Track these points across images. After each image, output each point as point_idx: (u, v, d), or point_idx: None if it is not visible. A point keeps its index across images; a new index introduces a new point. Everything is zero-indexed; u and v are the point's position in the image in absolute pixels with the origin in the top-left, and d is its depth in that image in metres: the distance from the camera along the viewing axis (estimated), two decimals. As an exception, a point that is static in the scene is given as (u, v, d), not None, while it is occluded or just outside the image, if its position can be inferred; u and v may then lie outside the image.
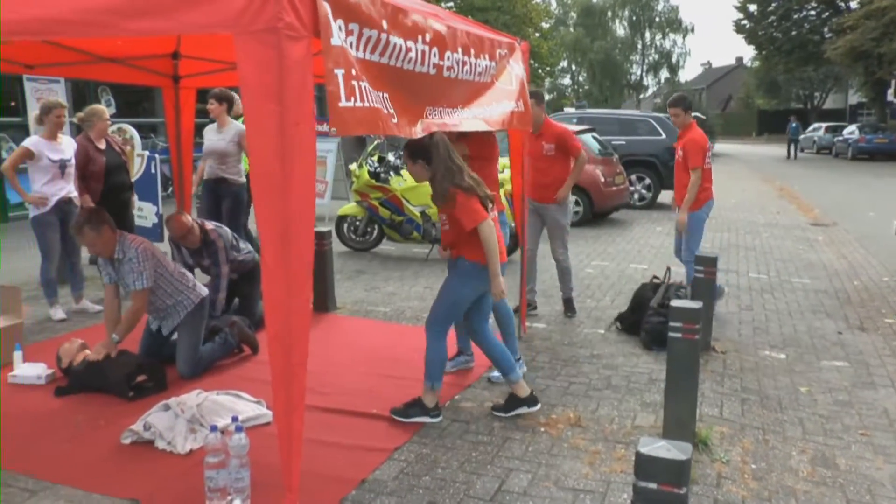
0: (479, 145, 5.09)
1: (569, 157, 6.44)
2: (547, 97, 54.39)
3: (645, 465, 2.61)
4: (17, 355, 5.19)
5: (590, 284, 8.01)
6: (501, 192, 8.71)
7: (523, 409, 4.50)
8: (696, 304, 3.95)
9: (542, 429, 4.30)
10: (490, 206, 4.25)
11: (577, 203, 12.29)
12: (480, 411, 4.54)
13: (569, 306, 6.79)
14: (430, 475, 3.73)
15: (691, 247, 6.53)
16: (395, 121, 3.45)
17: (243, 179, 7.63)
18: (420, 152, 4.18)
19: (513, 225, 8.39)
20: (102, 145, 6.82)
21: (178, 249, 6.14)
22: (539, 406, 4.55)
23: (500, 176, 8.92)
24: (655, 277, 6.41)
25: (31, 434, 4.23)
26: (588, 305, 7.08)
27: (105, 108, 7.02)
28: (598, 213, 12.63)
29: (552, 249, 6.67)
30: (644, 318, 5.92)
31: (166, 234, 6.28)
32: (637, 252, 10.05)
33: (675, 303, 3.96)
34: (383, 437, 4.13)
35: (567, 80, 72.33)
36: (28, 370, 5.09)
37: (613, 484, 3.66)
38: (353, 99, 3.12)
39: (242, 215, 7.74)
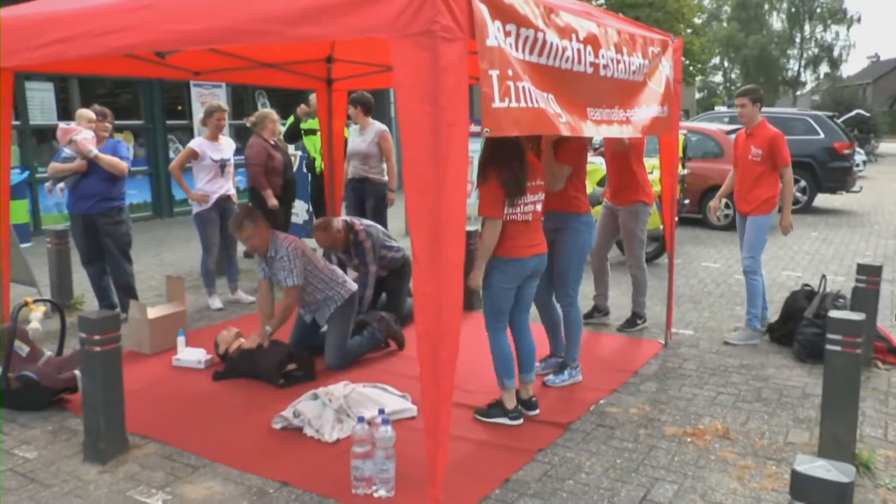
0: (570, 153, 4.81)
1: (776, 167, 5.76)
2: (697, 95, 52.33)
3: (802, 485, 2.45)
4: (181, 340, 5.56)
5: (739, 291, 7.65)
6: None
7: (503, 421, 4.30)
8: (859, 316, 3.70)
9: (689, 439, 4.15)
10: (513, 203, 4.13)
11: (727, 205, 11.80)
12: (625, 417, 4.45)
13: (630, 322, 6.29)
14: (574, 479, 3.69)
15: (756, 254, 5.91)
16: (563, 120, 3.43)
17: (386, 178, 7.81)
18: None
19: (661, 227, 8.18)
20: (273, 143, 7.31)
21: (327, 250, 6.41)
22: (521, 422, 4.31)
23: (650, 178, 8.76)
24: (806, 286, 6.06)
25: (192, 414, 4.53)
26: (737, 313, 6.77)
27: (273, 111, 7.46)
28: (748, 216, 12.06)
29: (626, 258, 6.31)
30: (797, 329, 5.60)
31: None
32: (790, 258, 9.53)
33: (833, 313, 3.73)
34: (527, 438, 4.13)
35: (718, 78, 69.36)
36: (189, 354, 5.45)
37: (764, 502, 3.49)
38: (507, 100, 3.13)
39: (385, 213, 7.94)
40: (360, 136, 7.65)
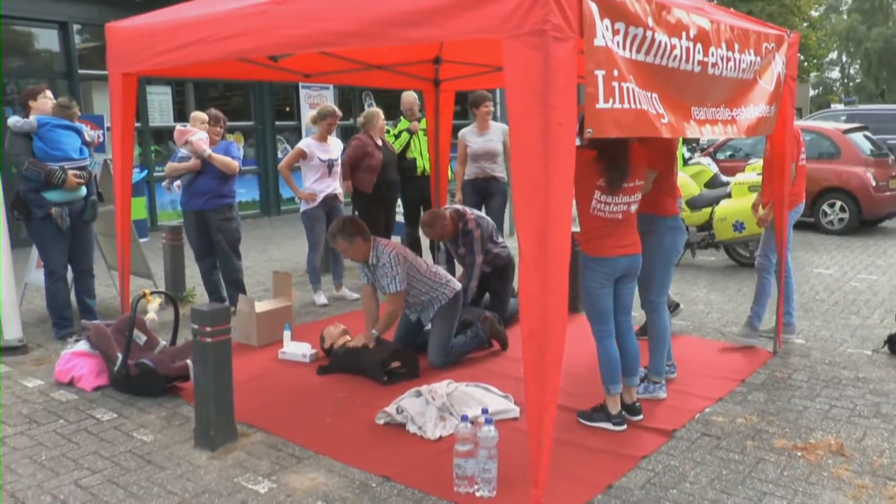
0: (656, 155, 4.56)
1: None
2: (811, 93, 49.90)
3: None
4: (287, 334, 5.72)
5: (855, 300, 7.30)
6: (759, 194, 8.23)
7: (606, 426, 4.23)
8: None
9: (799, 453, 3.98)
10: None
11: (842, 209, 11.29)
12: (732, 427, 4.30)
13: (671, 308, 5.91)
14: (678, 489, 3.60)
15: (769, 252, 5.73)
16: (664, 121, 3.36)
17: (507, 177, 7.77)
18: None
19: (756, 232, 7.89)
20: (380, 143, 7.40)
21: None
22: (624, 428, 4.22)
23: (760, 179, 8.43)
24: None
25: (298, 406, 4.65)
26: (853, 323, 6.46)
27: (380, 110, 7.55)
28: (866, 220, 11.48)
29: None
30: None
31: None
32: (917, 265, 9.01)
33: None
34: (631, 445, 4.05)
35: (836, 74, 65.86)
36: (295, 348, 5.60)
37: (885, 523, 3.32)
38: (611, 100, 3.10)
39: (505, 212, 7.90)
40: (481, 136, 7.55)
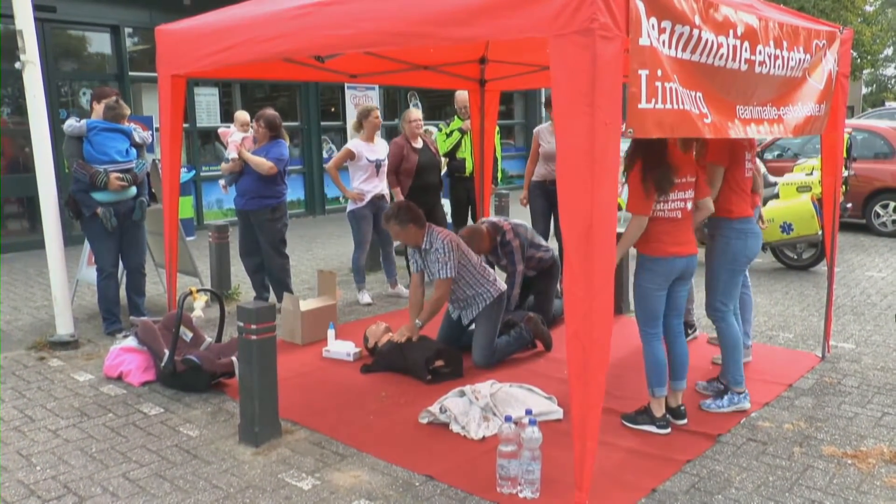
0: (719, 150, 4.41)
1: None
2: (864, 90, 48.60)
3: None
4: (331, 333, 5.77)
5: (909, 303, 7.12)
6: (808, 196, 8.09)
7: (650, 428, 4.17)
8: None
9: (849, 461, 3.88)
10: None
11: (895, 210, 11.02)
12: (779, 433, 4.22)
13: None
14: (723, 494, 3.54)
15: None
16: (707, 120, 3.32)
17: None
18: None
19: (820, 233, 7.74)
20: (419, 145, 7.31)
21: None
22: (668, 431, 4.15)
23: (809, 179, 8.29)
24: None
25: (341, 404, 4.68)
26: (907, 327, 6.30)
27: (411, 111, 7.47)
28: (920, 222, 11.20)
29: None
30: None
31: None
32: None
33: None
34: (676, 448, 4.00)
35: (890, 70, 63.94)
36: (339, 347, 5.64)
37: (940, 533, 3.23)
38: (654, 100, 3.06)
39: None
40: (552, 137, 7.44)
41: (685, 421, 4.27)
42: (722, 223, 4.47)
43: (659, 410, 4.20)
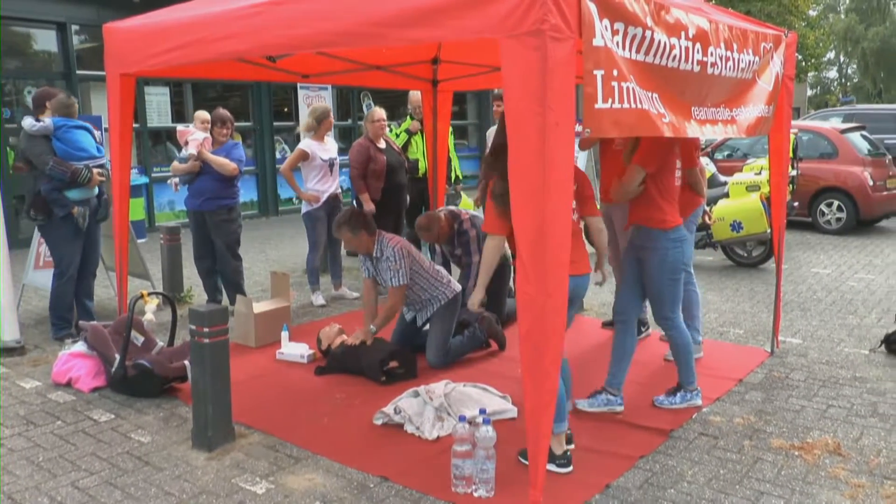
0: (647, 153, 4.23)
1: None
2: (809, 92, 49.74)
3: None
4: (285, 335, 5.72)
5: (852, 299, 7.31)
6: (757, 195, 8.25)
7: (549, 467, 3.54)
8: None
9: (797, 453, 3.98)
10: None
11: (839, 209, 11.31)
12: (730, 427, 4.30)
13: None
14: (676, 489, 3.60)
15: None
16: (666, 120, 3.36)
17: None
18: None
19: (768, 231, 7.88)
20: (382, 145, 7.21)
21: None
22: (570, 469, 3.69)
23: (758, 178, 8.45)
24: None
25: (295, 407, 4.65)
26: (850, 322, 6.46)
27: (376, 110, 7.29)
28: (864, 220, 11.50)
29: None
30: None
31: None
32: (908, 265, 9.03)
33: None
34: (629, 444, 4.05)
35: (833, 73, 65.63)
36: (293, 349, 5.59)
37: (883, 522, 3.32)
38: (610, 100, 3.09)
39: None
40: None
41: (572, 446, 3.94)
42: (657, 235, 4.32)
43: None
